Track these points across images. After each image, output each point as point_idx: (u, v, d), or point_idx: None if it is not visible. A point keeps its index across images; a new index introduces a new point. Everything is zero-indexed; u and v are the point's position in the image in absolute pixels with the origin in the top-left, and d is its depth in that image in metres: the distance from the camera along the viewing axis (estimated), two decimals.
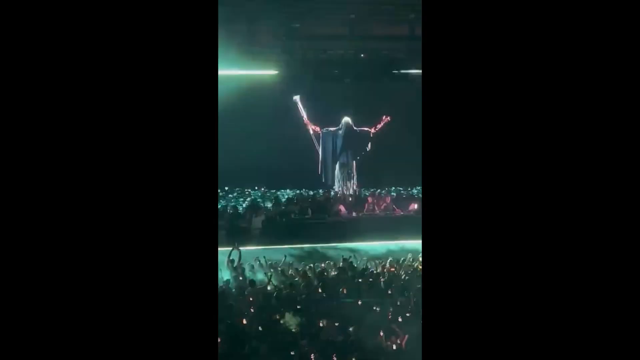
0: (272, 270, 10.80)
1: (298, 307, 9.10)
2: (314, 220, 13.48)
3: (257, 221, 13.30)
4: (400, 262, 11.20)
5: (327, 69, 14.34)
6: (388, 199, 14.13)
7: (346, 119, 14.61)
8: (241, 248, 11.30)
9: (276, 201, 14.28)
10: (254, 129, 13.93)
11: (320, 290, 9.85)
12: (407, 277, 10.38)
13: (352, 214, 13.77)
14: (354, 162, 14.72)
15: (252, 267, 11.03)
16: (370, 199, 14.06)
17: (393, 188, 14.97)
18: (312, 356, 7.72)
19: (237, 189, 14.59)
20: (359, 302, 9.32)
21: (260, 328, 8.49)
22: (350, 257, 11.46)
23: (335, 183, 14.74)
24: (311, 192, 14.80)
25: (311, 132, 14.55)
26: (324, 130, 14.62)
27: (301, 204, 13.99)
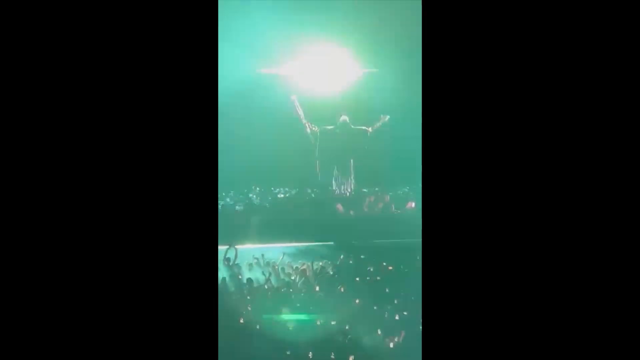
0: (270, 269, 10.81)
1: (297, 305, 9.10)
2: (310, 219, 13.47)
3: (254, 220, 13.29)
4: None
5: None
6: (387, 198, 14.13)
7: (344, 118, 14.61)
8: (237, 247, 11.31)
9: (273, 200, 14.29)
10: (252, 128, 13.94)
11: (317, 289, 9.87)
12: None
13: (349, 212, 13.77)
14: (351, 161, 14.71)
15: (251, 265, 11.05)
16: (368, 198, 14.06)
17: (391, 187, 14.96)
18: (310, 354, 7.73)
19: (232, 190, 14.58)
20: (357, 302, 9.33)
21: (257, 327, 8.50)
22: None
23: (332, 182, 14.73)
24: (308, 191, 14.80)
25: (308, 131, 14.54)
26: (321, 128, 14.62)
27: (298, 203, 13.99)
